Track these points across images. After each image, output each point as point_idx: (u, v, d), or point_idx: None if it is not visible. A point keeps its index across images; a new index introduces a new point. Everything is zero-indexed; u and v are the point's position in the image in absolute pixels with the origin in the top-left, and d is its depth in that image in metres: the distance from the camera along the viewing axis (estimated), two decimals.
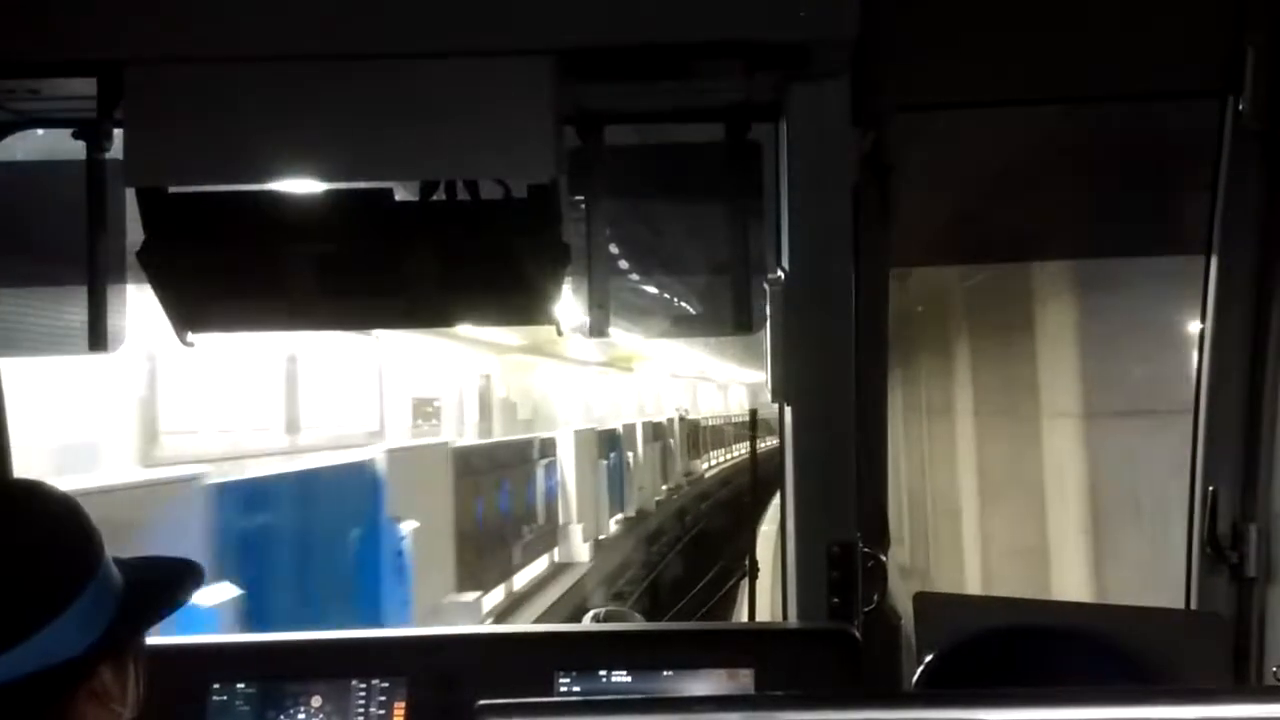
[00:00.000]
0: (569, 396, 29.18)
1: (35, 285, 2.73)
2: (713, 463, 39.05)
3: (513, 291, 2.48)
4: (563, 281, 2.51)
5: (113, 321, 2.60)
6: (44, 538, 1.55)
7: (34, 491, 1.61)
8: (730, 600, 15.78)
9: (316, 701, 2.45)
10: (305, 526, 9.13)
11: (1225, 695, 1.12)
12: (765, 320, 2.57)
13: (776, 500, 2.94)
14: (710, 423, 41.47)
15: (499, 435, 20.11)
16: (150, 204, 2.38)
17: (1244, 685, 2.72)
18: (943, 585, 9.79)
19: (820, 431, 2.58)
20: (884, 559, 2.73)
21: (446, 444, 13.83)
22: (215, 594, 6.75)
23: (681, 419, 32.01)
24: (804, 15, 2.26)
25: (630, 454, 23.67)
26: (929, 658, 1.64)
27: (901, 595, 2.88)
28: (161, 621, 1.67)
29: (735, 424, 45.45)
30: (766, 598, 4.46)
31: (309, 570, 9.04)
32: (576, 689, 2.44)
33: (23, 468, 2.71)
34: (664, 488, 28.14)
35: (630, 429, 24.65)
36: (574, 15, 2.27)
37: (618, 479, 22.44)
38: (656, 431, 27.79)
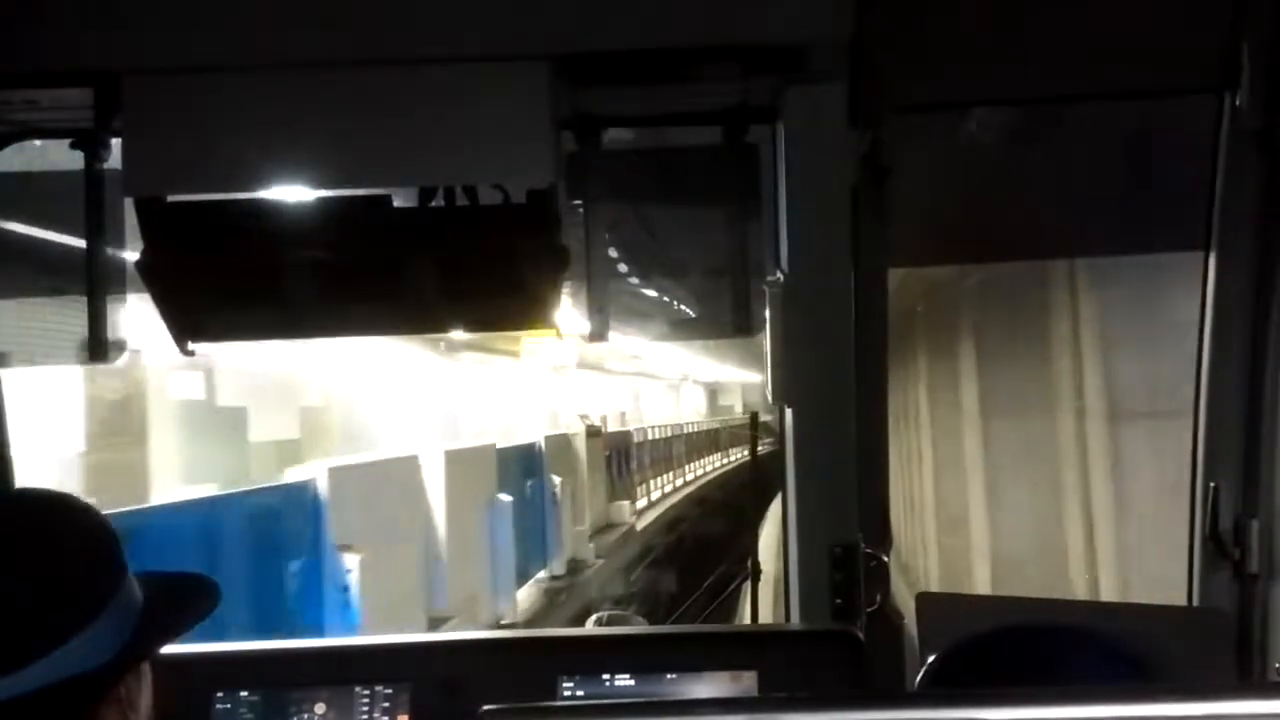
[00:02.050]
0: (407, 397, 18.06)
1: (35, 296, 2.73)
2: (654, 498, 25.96)
3: (512, 296, 2.49)
4: (562, 286, 2.52)
5: (112, 331, 2.60)
6: (73, 549, 1.57)
7: (61, 502, 1.63)
8: None
9: (320, 709, 2.45)
10: None
11: (1228, 692, 1.12)
12: (764, 323, 2.58)
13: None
14: (653, 435, 28.52)
15: (157, 481, 10.36)
16: (149, 213, 2.38)
17: (1247, 682, 2.72)
18: None
19: (821, 433, 2.59)
20: (886, 559, 2.73)
21: None
22: None
23: (593, 434, 19.06)
24: (800, 18, 2.27)
25: (351, 559, 9.10)
26: (932, 658, 1.64)
27: (904, 595, 2.88)
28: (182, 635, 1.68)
29: (691, 435, 34.36)
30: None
31: None
32: (580, 693, 2.44)
33: None
34: (539, 580, 15.65)
35: (371, 476, 10.25)
36: (571, 20, 2.28)
37: None
38: (516, 463, 14.82)
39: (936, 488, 9.73)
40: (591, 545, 17.97)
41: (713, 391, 51.17)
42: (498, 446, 14.22)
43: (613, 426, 24.33)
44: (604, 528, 19.57)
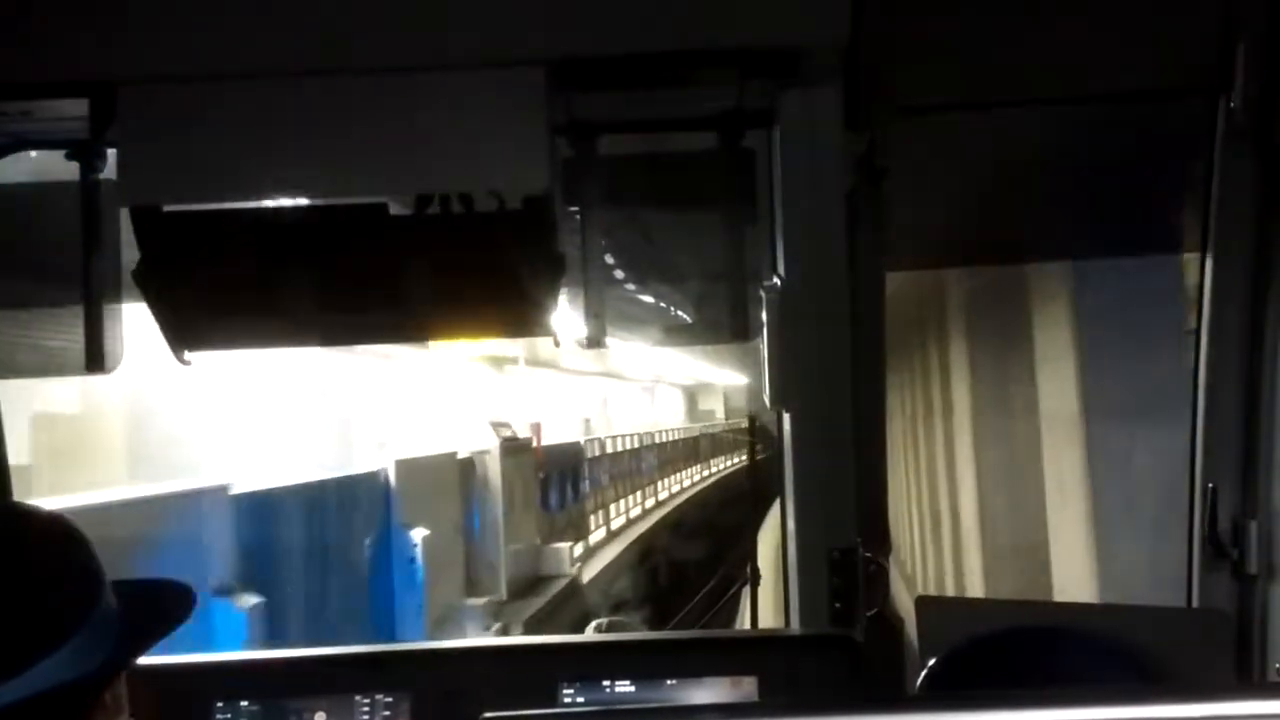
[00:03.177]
0: (273, 402, 12.21)
1: (31, 307, 2.73)
2: (615, 527, 21.31)
3: (509, 303, 2.49)
4: (559, 292, 2.52)
5: (109, 342, 2.60)
6: (53, 562, 1.58)
7: (31, 512, 1.64)
8: None
9: (320, 718, 2.45)
10: None
11: (1228, 693, 1.12)
12: (762, 327, 2.57)
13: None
14: (616, 446, 23.55)
15: None
16: (145, 223, 2.38)
17: (1247, 682, 2.71)
18: None
19: (819, 437, 2.59)
20: (885, 564, 2.73)
21: None
22: None
23: (516, 450, 13.67)
24: (796, 21, 2.27)
25: None
26: (931, 662, 1.64)
27: (904, 599, 2.88)
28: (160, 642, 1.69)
29: (665, 444, 29.99)
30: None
31: None
32: (580, 699, 2.44)
33: None
34: None
35: None
36: (566, 25, 2.28)
37: None
38: (320, 514, 9.66)
39: (984, 517, 7.80)
40: (497, 626, 11.76)
41: (691, 394, 47.13)
42: (238, 490, 8.45)
43: (577, 436, 20.62)
44: (529, 586, 13.77)
